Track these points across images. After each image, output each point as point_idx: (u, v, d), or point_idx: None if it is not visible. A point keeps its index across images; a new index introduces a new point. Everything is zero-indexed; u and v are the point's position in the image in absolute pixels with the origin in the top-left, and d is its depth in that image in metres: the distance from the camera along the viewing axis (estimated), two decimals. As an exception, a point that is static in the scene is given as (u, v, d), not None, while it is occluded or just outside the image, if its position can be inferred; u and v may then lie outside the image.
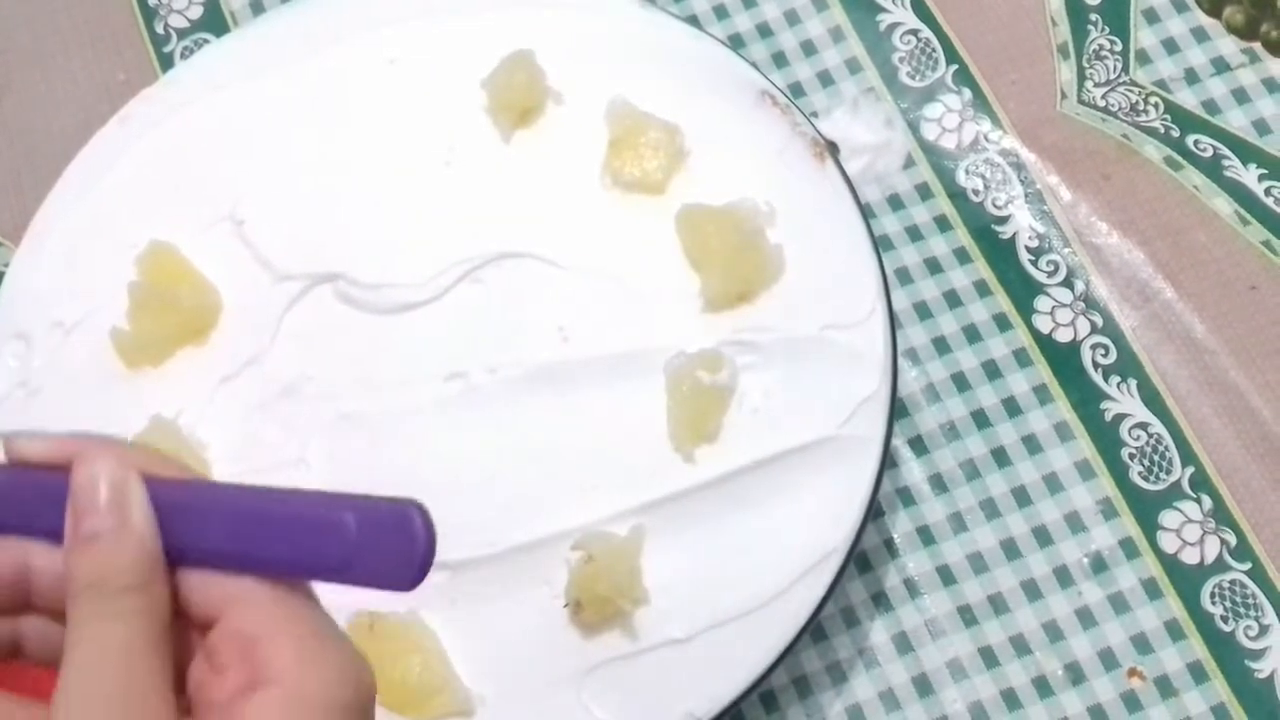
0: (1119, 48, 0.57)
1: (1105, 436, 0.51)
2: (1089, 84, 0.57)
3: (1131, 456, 0.51)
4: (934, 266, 0.54)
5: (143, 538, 0.27)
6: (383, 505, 0.27)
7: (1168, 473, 0.51)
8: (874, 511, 0.47)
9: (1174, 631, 0.49)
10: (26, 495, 0.28)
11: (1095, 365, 0.52)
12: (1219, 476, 0.51)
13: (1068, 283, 0.54)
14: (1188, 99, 0.56)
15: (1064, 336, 0.53)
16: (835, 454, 0.45)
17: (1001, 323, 0.53)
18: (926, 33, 0.58)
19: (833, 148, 0.50)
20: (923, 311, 0.53)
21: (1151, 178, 0.55)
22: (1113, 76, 0.57)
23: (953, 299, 0.54)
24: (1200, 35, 0.57)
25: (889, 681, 0.49)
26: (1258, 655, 0.48)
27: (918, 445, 0.52)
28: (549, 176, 0.48)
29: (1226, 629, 0.49)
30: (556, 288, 0.46)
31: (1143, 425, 0.51)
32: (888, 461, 0.45)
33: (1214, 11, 0.57)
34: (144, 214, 0.48)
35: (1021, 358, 0.53)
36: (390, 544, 0.27)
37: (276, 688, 0.26)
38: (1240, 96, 0.56)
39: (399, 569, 0.27)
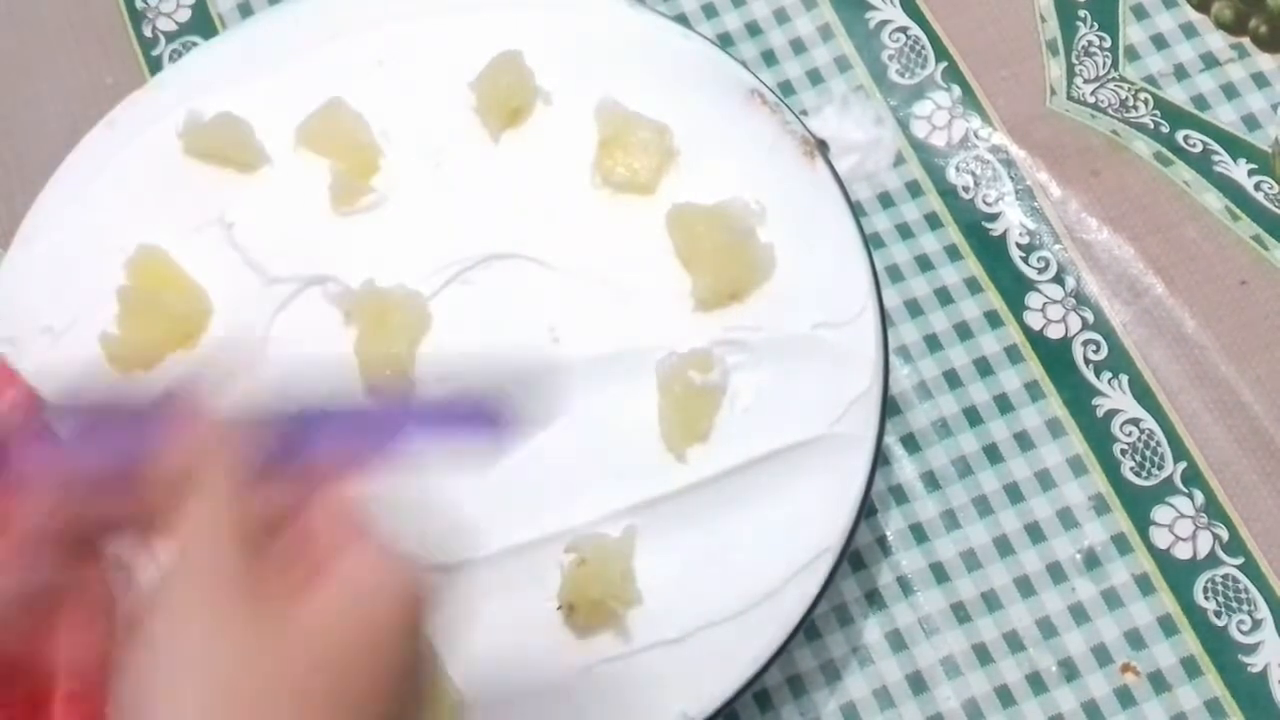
0: (1108, 44, 0.57)
1: (1097, 432, 0.51)
2: (1078, 80, 0.57)
3: (1123, 452, 0.51)
4: (925, 264, 0.54)
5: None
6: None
7: (1159, 468, 0.51)
8: (866, 509, 0.47)
9: (1167, 627, 0.49)
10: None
11: (1086, 361, 0.52)
12: (1210, 471, 0.51)
13: (1058, 279, 0.54)
14: (1177, 95, 0.56)
15: (1055, 333, 0.53)
16: (827, 452, 0.45)
17: (993, 320, 0.53)
18: (915, 30, 0.58)
19: (823, 146, 0.50)
20: (914, 309, 0.53)
21: (1141, 174, 0.55)
22: (1102, 73, 0.57)
23: (944, 296, 0.54)
24: (1189, 31, 0.57)
25: (883, 679, 0.49)
26: (1250, 650, 0.48)
27: (910, 443, 0.52)
28: (539, 177, 0.48)
29: (1219, 624, 0.49)
30: (547, 288, 0.46)
31: (1134, 421, 0.51)
32: (880, 459, 0.45)
33: (1202, 7, 0.57)
34: (133, 218, 0.48)
35: (1013, 354, 0.53)
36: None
37: (334, 581, 0.29)
38: (1229, 92, 0.56)
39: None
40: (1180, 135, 0.56)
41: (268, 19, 0.52)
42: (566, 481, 0.44)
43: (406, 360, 0.45)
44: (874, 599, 0.50)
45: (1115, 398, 0.52)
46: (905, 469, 0.51)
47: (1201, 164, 0.55)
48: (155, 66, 0.58)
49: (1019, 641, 0.49)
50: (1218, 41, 0.57)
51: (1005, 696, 0.48)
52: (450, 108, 0.49)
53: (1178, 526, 0.50)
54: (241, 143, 0.48)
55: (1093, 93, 0.56)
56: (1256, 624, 0.49)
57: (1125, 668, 0.49)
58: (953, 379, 0.52)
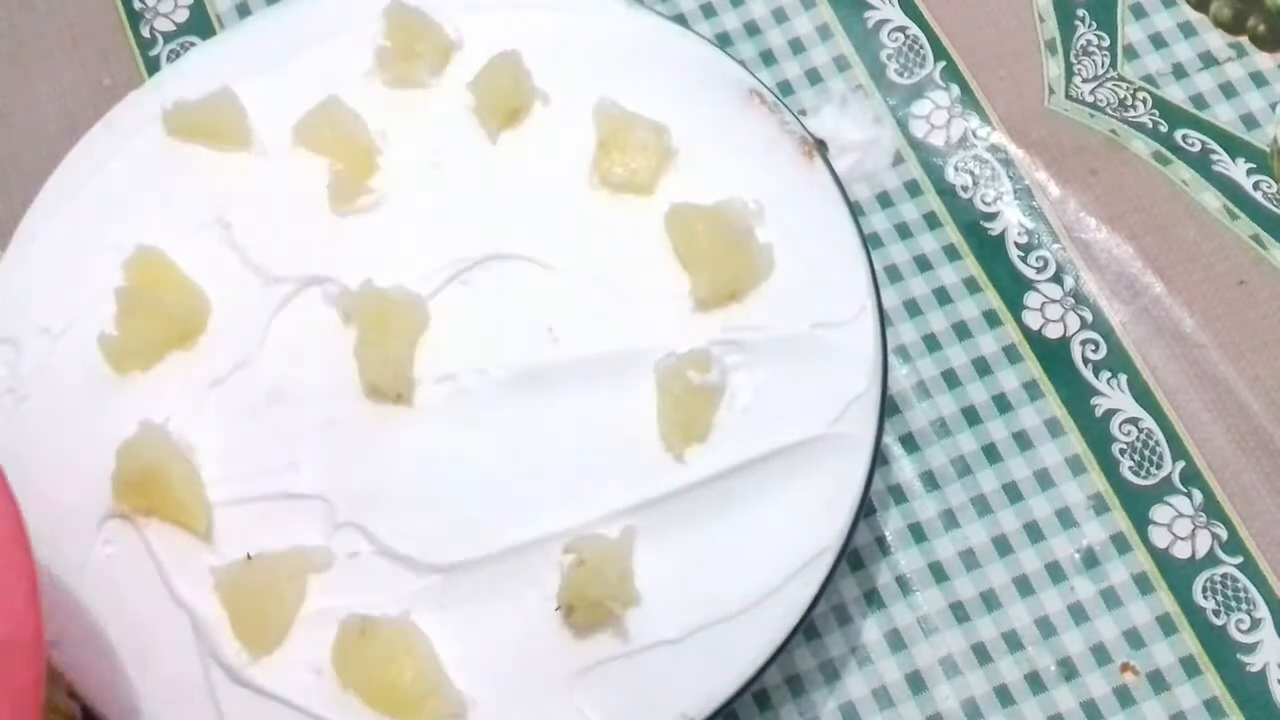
0: (1106, 43, 0.57)
1: (1095, 432, 0.51)
2: (1077, 79, 0.57)
3: (1122, 452, 0.51)
4: (923, 264, 0.54)
5: None
6: None
7: (1158, 468, 0.51)
8: (865, 509, 0.47)
9: (1166, 626, 0.49)
10: None
11: (1085, 361, 0.52)
12: (1209, 471, 0.51)
13: (1057, 278, 0.54)
14: (1175, 94, 0.56)
15: (1054, 332, 0.53)
16: (826, 452, 0.45)
17: (991, 319, 0.53)
18: (914, 29, 0.58)
19: (821, 146, 0.50)
20: (912, 309, 0.53)
21: (1140, 173, 0.55)
22: (1100, 72, 0.57)
23: (942, 296, 0.54)
24: (1187, 30, 0.57)
25: (882, 679, 0.49)
26: (1250, 649, 0.49)
27: (908, 442, 0.52)
28: (537, 177, 0.48)
29: (1218, 623, 0.49)
30: (545, 289, 0.46)
31: (1133, 420, 0.51)
32: (879, 459, 0.46)
33: (1201, 6, 0.58)
34: (131, 219, 0.48)
35: (1011, 354, 0.53)
36: None
37: None
38: (1228, 91, 0.56)
39: None
40: (1179, 134, 0.56)
41: (265, 19, 0.52)
42: (564, 482, 0.44)
43: (405, 361, 0.45)
44: (873, 599, 0.50)
45: (1114, 397, 0.52)
46: (904, 469, 0.51)
47: (1200, 163, 0.55)
48: (153, 67, 0.58)
49: (1018, 641, 0.49)
50: (1216, 41, 0.57)
51: (1004, 696, 0.48)
52: (448, 108, 0.49)
53: (1176, 526, 0.50)
54: (226, 117, 0.48)
55: (1091, 92, 0.56)
56: (1255, 623, 0.49)
57: (1124, 667, 0.49)
58: (951, 379, 0.52)
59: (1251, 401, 0.51)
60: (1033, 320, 0.53)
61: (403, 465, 0.45)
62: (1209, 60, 0.57)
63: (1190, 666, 0.48)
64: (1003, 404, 0.52)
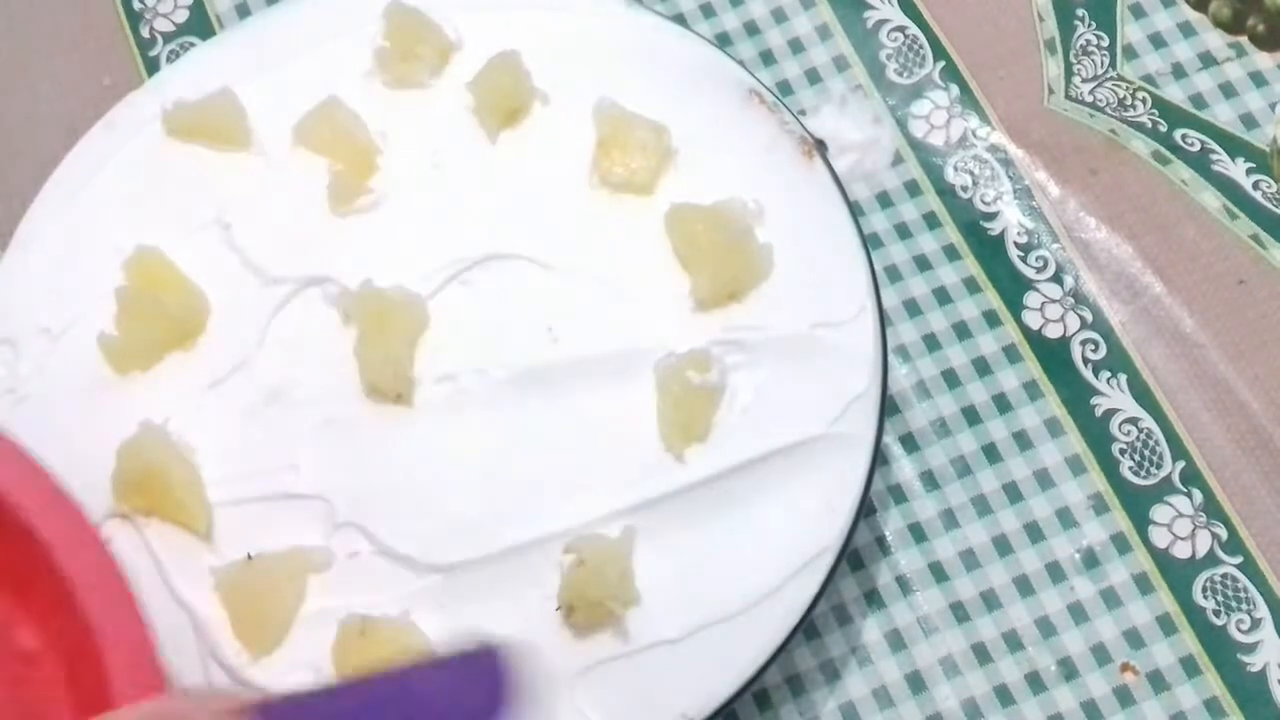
0: (1106, 43, 0.57)
1: (1095, 432, 0.51)
2: (1076, 79, 0.57)
3: (1122, 452, 0.51)
4: (923, 264, 0.54)
5: None
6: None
7: (1158, 467, 0.51)
8: (865, 509, 0.47)
9: (1166, 626, 0.49)
10: None
11: (1085, 361, 0.52)
12: (1209, 471, 0.51)
13: (1057, 278, 0.54)
14: (1175, 94, 0.56)
15: (1053, 332, 0.53)
16: (826, 452, 0.45)
17: (991, 319, 0.53)
18: (914, 29, 0.58)
19: (821, 146, 0.50)
20: (912, 309, 0.53)
21: (1139, 172, 0.55)
22: (1100, 72, 0.57)
23: (942, 296, 0.54)
24: (1187, 30, 0.57)
25: (882, 679, 0.49)
26: (1250, 649, 0.49)
27: (908, 442, 0.52)
28: (536, 177, 0.48)
29: (1218, 623, 0.49)
30: (545, 289, 0.46)
31: (1133, 420, 0.51)
32: (879, 459, 0.45)
33: (1200, 6, 0.58)
34: (131, 219, 0.48)
35: (1011, 354, 0.53)
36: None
37: None
38: (1227, 90, 0.56)
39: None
40: (1178, 134, 0.56)
41: (265, 19, 0.52)
42: (565, 482, 0.44)
43: (405, 361, 0.45)
44: (873, 598, 0.50)
45: (1114, 397, 0.52)
46: (904, 468, 0.51)
47: (1199, 163, 0.55)
48: (153, 67, 0.58)
49: (1018, 641, 0.49)
50: (1215, 40, 0.57)
51: (1004, 696, 0.48)
52: (448, 108, 0.49)
53: (1176, 526, 0.50)
54: (225, 117, 0.48)
55: (1091, 92, 0.56)
56: (1255, 623, 0.49)
57: (1124, 667, 0.49)
58: (951, 378, 0.52)
59: (1251, 401, 0.51)
60: (1032, 320, 0.53)
61: (403, 465, 0.45)
62: (1208, 60, 0.57)
63: (1190, 666, 0.48)
64: (1003, 404, 0.52)
